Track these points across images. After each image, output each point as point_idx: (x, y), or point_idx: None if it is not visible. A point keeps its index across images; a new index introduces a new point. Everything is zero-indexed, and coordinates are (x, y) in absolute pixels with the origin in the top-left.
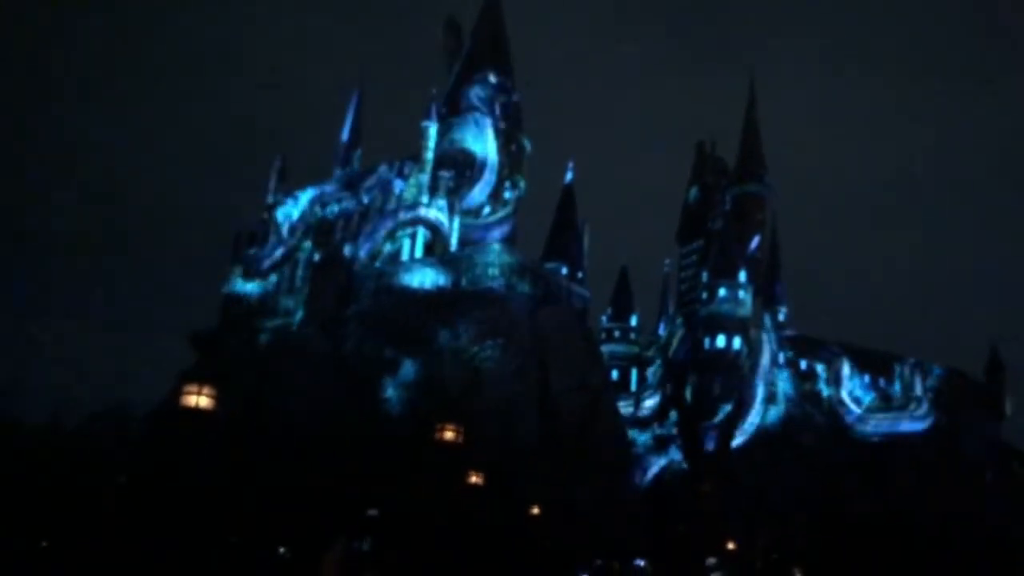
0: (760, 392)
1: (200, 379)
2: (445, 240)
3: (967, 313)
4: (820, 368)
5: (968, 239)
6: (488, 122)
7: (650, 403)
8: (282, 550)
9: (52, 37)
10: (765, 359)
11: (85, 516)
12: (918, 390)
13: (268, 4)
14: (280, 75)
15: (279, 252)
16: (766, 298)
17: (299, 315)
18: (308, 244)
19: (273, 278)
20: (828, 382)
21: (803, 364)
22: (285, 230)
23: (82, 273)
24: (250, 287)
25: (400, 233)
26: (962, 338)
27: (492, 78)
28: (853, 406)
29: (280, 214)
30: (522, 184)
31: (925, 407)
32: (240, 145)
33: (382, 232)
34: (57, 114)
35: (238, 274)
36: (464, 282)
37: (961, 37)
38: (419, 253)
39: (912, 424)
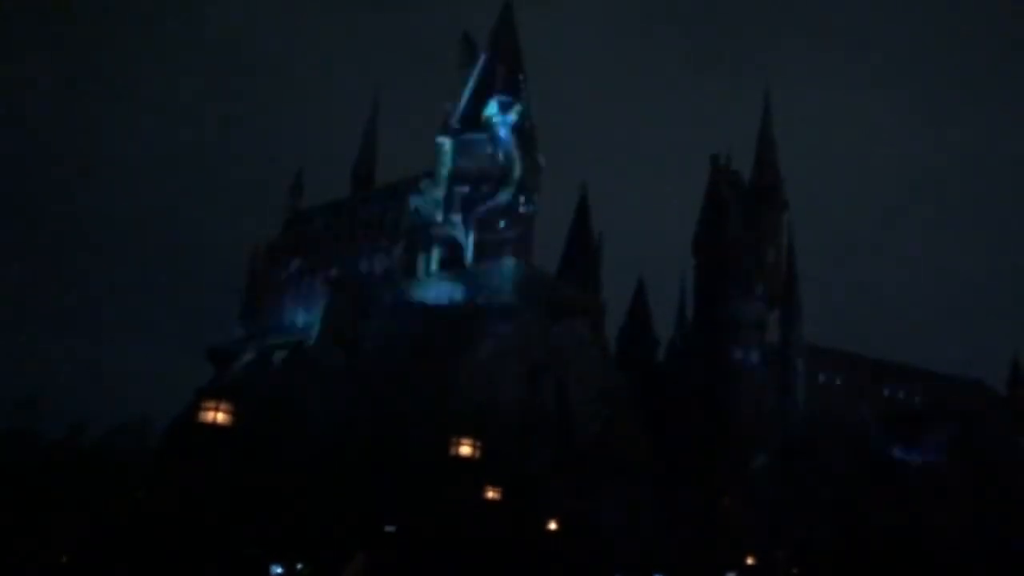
0: (778, 404)
1: (217, 395)
2: (461, 255)
3: (989, 325)
4: (839, 380)
5: (989, 248)
6: (503, 137)
7: (667, 415)
8: (300, 565)
9: (72, 58)
10: (783, 371)
11: (105, 530)
12: (939, 403)
13: (284, 23)
14: (296, 92)
15: (295, 267)
16: (783, 309)
17: (315, 331)
18: (324, 260)
19: (290, 293)
20: (847, 394)
21: (821, 376)
22: (301, 246)
23: (102, 289)
24: (267, 301)
25: (416, 249)
26: (984, 350)
27: (506, 93)
28: (872, 419)
29: (296, 229)
30: (537, 198)
31: (946, 421)
32: (257, 161)
33: (398, 248)
34: (74, 133)
35: (255, 289)
36: (480, 297)
37: (979, 40)
38: (435, 268)
39: (934, 447)
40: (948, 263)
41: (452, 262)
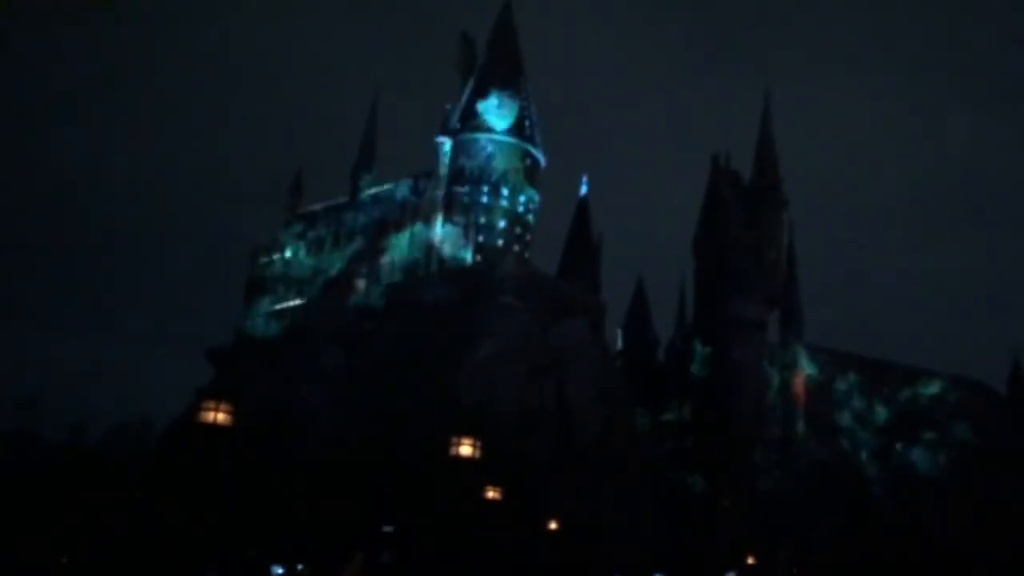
0: (778, 404)
1: (217, 395)
2: (461, 255)
3: (989, 324)
4: (838, 380)
5: (989, 248)
6: (502, 137)
7: (668, 415)
8: (300, 566)
9: (70, 57)
10: (783, 371)
11: (105, 531)
12: (939, 403)
13: (285, 23)
14: (296, 92)
15: (295, 269)
16: (783, 310)
17: (315, 331)
18: (324, 260)
19: (290, 293)
20: (846, 394)
21: (821, 376)
22: (301, 246)
23: (102, 290)
24: (267, 302)
25: (416, 249)
26: (985, 351)
27: (505, 92)
28: (872, 419)
29: (296, 230)
30: (537, 198)
31: (946, 421)
32: (257, 162)
33: (398, 248)
34: (75, 134)
35: (255, 290)
36: (480, 296)
37: (980, 40)
38: (435, 269)
39: (934, 446)
40: (948, 263)
41: (452, 262)
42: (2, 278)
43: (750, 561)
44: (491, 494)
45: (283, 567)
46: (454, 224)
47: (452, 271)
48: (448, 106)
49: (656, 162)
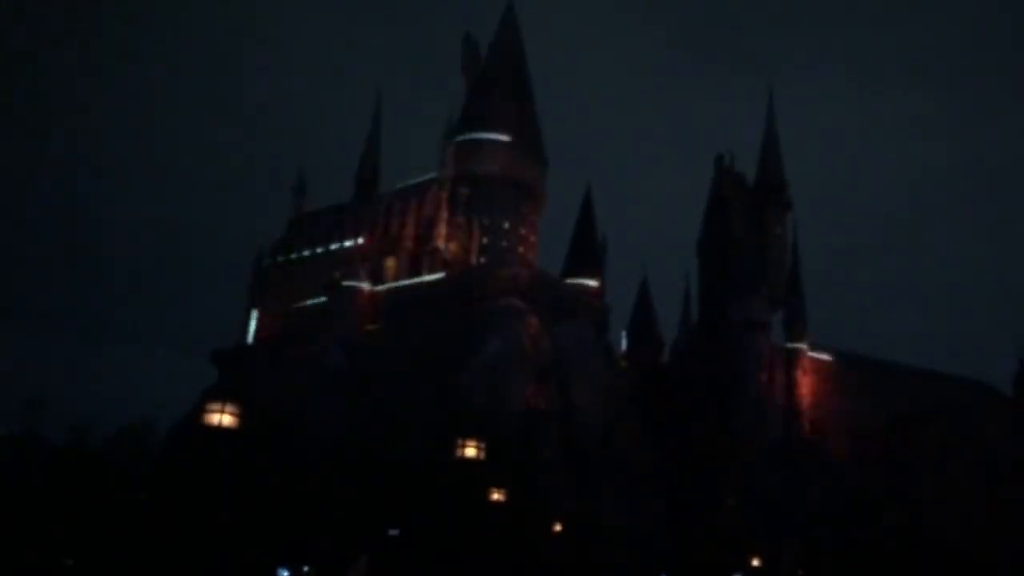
0: (781, 404)
1: (223, 396)
2: (465, 256)
3: (993, 325)
4: (842, 380)
5: (991, 248)
6: (506, 138)
7: (672, 416)
8: (305, 568)
9: (71, 56)
10: (786, 371)
11: (109, 533)
12: (943, 403)
13: (288, 23)
14: (299, 94)
15: (299, 270)
16: (787, 310)
17: (319, 333)
18: (328, 261)
19: (293, 295)
20: (850, 394)
21: (825, 376)
22: (305, 247)
23: (106, 291)
24: (270, 303)
25: (420, 250)
26: (989, 350)
27: (510, 93)
28: (876, 420)
29: (299, 231)
30: (541, 198)
31: (950, 422)
32: (261, 164)
33: (402, 249)
34: (76, 134)
35: (258, 291)
36: (484, 298)
37: (982, 41)
38: (439, 270)
39: (938, 447)
40: (951, 263)
41: (456, 263)
42: (3, 278)
43: (755, 563)
44: (495, 496)
45: (288, 569)
46: (457, 226)
47: (456, 272)
48: (452, 108)
49: (660, 163)
